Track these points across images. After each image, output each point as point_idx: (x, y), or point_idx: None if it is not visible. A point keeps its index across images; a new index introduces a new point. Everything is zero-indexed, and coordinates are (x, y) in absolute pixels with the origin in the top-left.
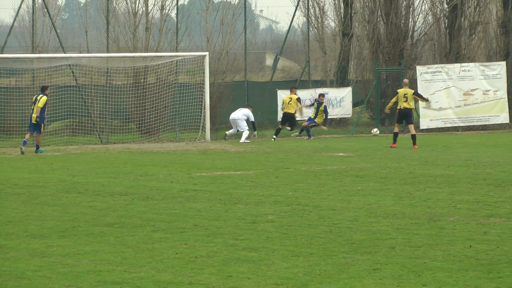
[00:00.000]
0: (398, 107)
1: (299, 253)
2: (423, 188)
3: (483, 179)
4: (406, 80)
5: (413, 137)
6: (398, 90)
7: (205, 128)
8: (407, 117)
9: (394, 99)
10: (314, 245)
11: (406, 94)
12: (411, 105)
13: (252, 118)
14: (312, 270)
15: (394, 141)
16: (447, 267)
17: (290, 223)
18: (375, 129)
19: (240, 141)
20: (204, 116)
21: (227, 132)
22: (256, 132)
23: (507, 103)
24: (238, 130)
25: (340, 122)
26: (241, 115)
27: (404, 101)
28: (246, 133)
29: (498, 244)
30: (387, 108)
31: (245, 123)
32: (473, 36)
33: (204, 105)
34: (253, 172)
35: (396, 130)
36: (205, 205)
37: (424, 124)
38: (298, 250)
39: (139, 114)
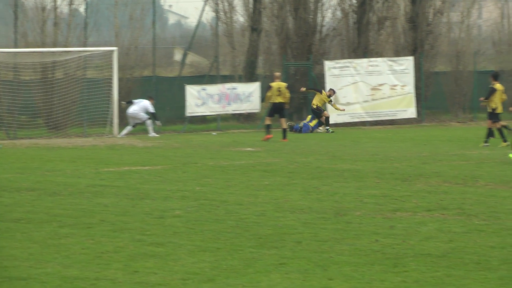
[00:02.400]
0: (272, 101)
1: (206, 248)
2: (330, 183)
3: (390, 173)
4: (277, 73)
5: (284, 131)
6: (271, 84)
7: (113, 123)
8: (280, 110)
9: (269, 93)
10: (221, 240)
11: (280, 88)
12: (285, 98)
13: (151, 110)
14: (218, 265)
15: (268, 132)
16: (353, 261)
17: (197, 218)
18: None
19: (149, 135)
20: (112, 111)
21: (120, 135)
22: (159, 122)
23: (414, 98)
24: (134, 125)
25: (248, 117)
26: (138, 109)
27: (277, 95)
28: (150, 124)
29: (404, 238)
30: (265, 104)
31: (142, 114)
32: (381, 31)
33: (112, 100)
34: (161, 167)
35: (267, 122)
36: (112, 201)
37: (331, 118)
38: (205, 245)
39: (47, 110)
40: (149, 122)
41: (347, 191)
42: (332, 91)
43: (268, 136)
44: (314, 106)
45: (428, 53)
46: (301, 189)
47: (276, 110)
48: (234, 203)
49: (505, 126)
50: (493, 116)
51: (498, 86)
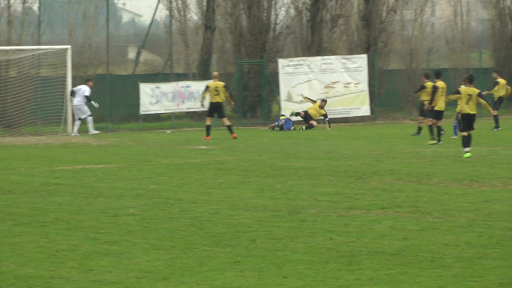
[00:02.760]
0: (210, 101)
1: (160, 246)
2: (284, 181)
3: (344, 171)
4: (215, 73)
5: (229, 127)
6: (209, 84)
7: (66, 121)
8: (218, 110)
9: (205, 93)
10: (176, 238)
11: (217, 87)
12: (222, 98)
13: (86, 93)
14: (173, 263)
15: (207, 133)
16: (307, 259)
17: (152, 217)
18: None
19: (89, 133)
20: (66, 109)
21: (73, 133)
22: (96, 104)
23: (368, 96)
24: (80, 119)
25: (202, 115)
26: (80, 99)
27: (215, 95)
28: (90, 121)
29: (358, 236)
30: (201, 103)
31: (86, 108)
32: (335, 29)
33: (66, 98)
34: (115, 166)
35: (208, 123)
36: (67, 199)
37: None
38: (160, 243)
39: (0, 108)
40: (89, 119)
41: (301, 189)
42: (324, 102)
43: (206, 137)
44: (308, 112)
45: (382, 51)
46: (256, 187)
47: (214, 110)
48: (188, 201)
49: (439, 127)
50: (432, 113)
51: (440, 83)
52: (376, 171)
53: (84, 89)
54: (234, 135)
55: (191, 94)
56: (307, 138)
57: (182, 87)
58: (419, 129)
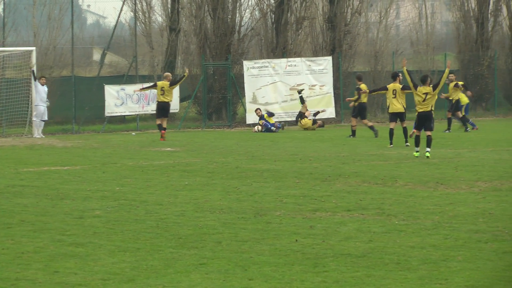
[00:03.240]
0: (158, 100)
1: (126, 248)
2: (249, 183)
3: (309, 173)
4: (166, 73)
5: (162, 128)
6: (157, 82)
7: (32, 123)
8: (163, 110)
9: (147, 89)
10: (141, 240)
11: (163, 87)
12: (170, 98)
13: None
14: (139, 265)
15: (162, 135)
16: (273, 261)
17: (117, 218)
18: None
19: (34, 136)
20: (31, 111)
21: (36, 135)
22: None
23: (333, 98)
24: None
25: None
26: (38, 99)
27: (161, 94)
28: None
29: (324, 238)
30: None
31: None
32: (300, 31)
33: (31, 100)
34: (80, 167)
35: (158, 122)
36: (32, 201)
37: (250, 119)
38: (125, 245)
39: None
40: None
41: (266, 191)
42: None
43: (162, 139)
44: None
45: (347, 53)
46: (221, 189)
47: (160, 109)
48: (154, 203)
49: (373, 129)
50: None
51: (392, 86)
52: (341, 173)
53: (37, 88)
54: (163, 139)
55: (156, 96)
56: (272, 140)
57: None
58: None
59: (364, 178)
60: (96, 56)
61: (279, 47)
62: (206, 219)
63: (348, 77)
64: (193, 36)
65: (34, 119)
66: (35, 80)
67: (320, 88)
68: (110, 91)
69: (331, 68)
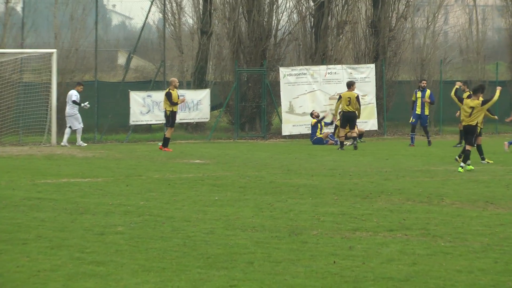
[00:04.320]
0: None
1: (150, 268)
2: (284, 199)
3: (349, 190)
4: (172, 79)
5: (166, 139)
6: (171, 91)
7: (51, 131)
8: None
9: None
10: (167, 259)
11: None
12: (165, 107)
13: (73, 97)
14: (164, 286)
15: (166, 144)
16: (309, 284)
17: (141, 235)
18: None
19: (76, 144)
20: (50, 118)
21: (62, 143)
22: (86, 104)
23: (375, 108)
24: (70, 127)
25: (197, 127)
26: (71, 106)
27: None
28: (80, 132)
29: (364, 260)
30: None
31: (75, 120)
32: (341, 36)
33: (51, 106)
34: (102, 180)
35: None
36: (50, 215)
37: (286, 130)
38: (149, 265)
39: None
40: (80, 129)
41: (302, 208)
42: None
43: (166, 148)
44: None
45: (391, 61)
46: (253, 205)
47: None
48: (181, 219)
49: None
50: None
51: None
52: (383, 190)
53: (71, 94)
54: (164, 148)
55: (185, 104)
56: (309, 153)
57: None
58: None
59: (408, 196)
60: (121, 60)
61: (318, 53)
62: (237, 238)
63: (392, 86)
64: (226, 40)
65: (79, 126)
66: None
67: (361, 98)
68: (136, 97)
69: (374, 77)
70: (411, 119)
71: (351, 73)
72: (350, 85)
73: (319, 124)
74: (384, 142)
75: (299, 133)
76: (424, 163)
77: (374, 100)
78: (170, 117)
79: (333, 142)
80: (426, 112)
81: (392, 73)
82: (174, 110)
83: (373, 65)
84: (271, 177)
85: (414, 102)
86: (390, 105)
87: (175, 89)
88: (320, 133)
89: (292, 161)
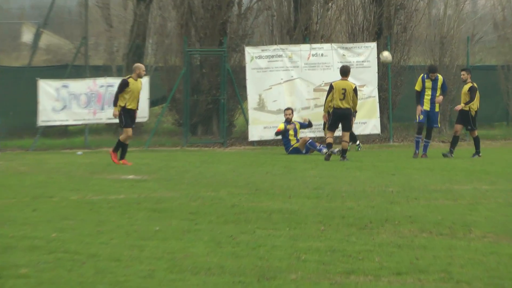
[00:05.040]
0: (129, 106)
1: None
2: (251, 230)
3: (341, 217)
4: (138, 65)
5: (119, 146)
6: (129, 80)
7: None
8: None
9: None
10: None
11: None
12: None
13: None
14: None
15: (122, 153)
16: None
17: (53, 280)
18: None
19: None
20: None
21: None
22: None
23: (378, 104)
24: None
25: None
26: None
27: (132, 99)
28: None
29: None
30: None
31: None
32: (330, 4)
33: None
34: (0, 203)
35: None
36: None
37: (254, 133)
38: None
39: None
40: None
41: (277, 243)
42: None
43: (123, 160)
44: None
45: (399, 38)
46: (209, 238)
47: (131, 118)
48: (108, 258)
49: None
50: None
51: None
52: (388, 217)
53: None
54: (114, 155)
55: (111, 98)
56: (286, 166)
57: (102, 86)
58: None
59: (423, 226)
60: (27, 37)
61: (299, 27)
62: (185, 284)
63: (401, 73)
64: (172, 9)
65: None
66: None
67: (359, 90)
68: (47, 88)
69: (376, 60)
70: (419, 116)
71: (344, 55)
72: (346, 71)
73: (292, 130)
74: (389, 150)
75: (272, 138)
76: (444, 180)
77: (375, 93)
78: (122, 115)
79: (318, 150)
80: (437, 109)
81: (400, 54)
82: (129, 107)
83: (374, 44)
84: (234, 199)
85: (420, 94)
86: (398, 100)
87: (138, 79)
88: (296, 141)
89: (263, 177)
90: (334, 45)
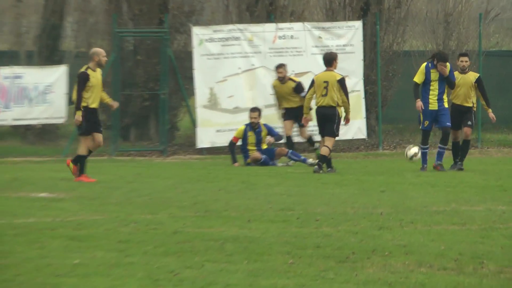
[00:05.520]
0: (92, 105)
1: None
2: (199, 263)
3: (315, 246)
4: (96, 50)
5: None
6: (89, 72)
7: None
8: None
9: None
10: None
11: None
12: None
13: None
14: None
15: (81, 168)
16: None
17: None
18: (413, 149)
19: None
20: None
21: None
22: None
23: (363, 101)
24: None
25: (44, 133)
26: None
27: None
28: None
29: None
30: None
31: None
32: None
33: None
34: None
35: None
36: None
37: (203, 138)
38: None
39: None
40: None
41: (232, 280)
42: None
43: (83, 177)
44: None
45: (391, 16)
46: (144, 274)
47: (93, 120)
48: None
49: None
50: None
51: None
52: (376, 247)
53: None
54: (77, 176)
55: (23, 92)
56: (245, 181)
57: (7, 78)
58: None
59: (421, 258)
60: None
61: (261, 2)
62: None
63: (393, 60)
64: None
65: None
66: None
67: None
68: None
69: (361, 44)
70: (422, 121)
71: (320, 37)
72: (330, 60)
73: (253, 138)
74: (378, 160)
75: (227, 143)
76: (449, 198)
77: (361, 86)
78: (84, 118)
79: (302, 161)
80: (446, 104)
81: (393, 37)
82: (92, 106)
83: (359, 24)
84: (176, 224)
85: (424, 88)
86: (390, 96)
87: (97, 69)
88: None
89: (215, 195)
90: (308, 25)
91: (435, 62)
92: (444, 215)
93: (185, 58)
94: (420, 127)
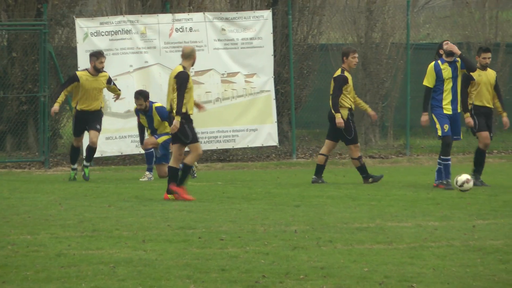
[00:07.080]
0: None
1: None
2: None
3: (219, 269)
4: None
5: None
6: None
7: None
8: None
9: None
10: None
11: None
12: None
13: None
14: None
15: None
16: None
17: None
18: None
19: None
20: None
21: None
22: None
23: (274, 102)
24: None
25: None
26: None
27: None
28: None
29: None
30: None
31: None
32: None
33: None
34: None
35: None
36: None
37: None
38: None
39: None
40: None
41: None
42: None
43: None
44: None
45: (305, 5)
46: None
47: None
48: None
49: None
50: None
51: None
52: (290, 269)
53: None
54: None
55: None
56: (139, 196)
57: None
58: None
59: (341, 281)
60: None
61: None
62: None
63: (309, 56)
64: None
65: None
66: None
67: (246, 81)
68: None
69: (271, 37)
70: (440, 126)
71: (223, 29)
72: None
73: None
74: (292, 170)
75: (119, 153)
76: (373, 213)
77: (271, 86)
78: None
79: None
80: (459, 108)
81: (307, 29)
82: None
83: (268, 13)
84: (60, 246)
85: (436, 89)
86: (305, 96)
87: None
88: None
89: (103, 211)
90: (209, 15)
91: (443, 57)
92: (367, 233)
93: (68, 55)
94: (440, 135)
